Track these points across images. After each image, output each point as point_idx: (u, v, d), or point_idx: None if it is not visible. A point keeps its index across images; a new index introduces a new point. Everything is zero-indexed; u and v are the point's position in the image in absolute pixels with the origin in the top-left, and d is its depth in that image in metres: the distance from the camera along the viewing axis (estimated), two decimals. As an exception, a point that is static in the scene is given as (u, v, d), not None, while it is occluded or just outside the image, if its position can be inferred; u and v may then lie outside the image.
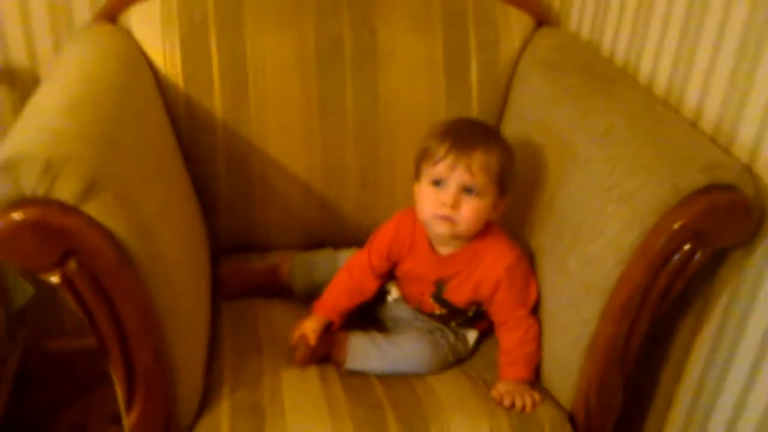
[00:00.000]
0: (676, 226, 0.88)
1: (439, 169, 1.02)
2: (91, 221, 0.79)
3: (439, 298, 1.11)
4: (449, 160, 1.01)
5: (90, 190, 0.79)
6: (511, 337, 1.08)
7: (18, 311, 1.40)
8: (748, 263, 0.96)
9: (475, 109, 1.29)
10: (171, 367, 0.91)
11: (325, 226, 1.32)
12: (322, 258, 1.24)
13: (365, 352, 1.07)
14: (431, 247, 1.10)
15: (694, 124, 1.04)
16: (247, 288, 1.22)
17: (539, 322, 1.08)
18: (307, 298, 1.18)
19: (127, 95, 1.03)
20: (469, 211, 1.02)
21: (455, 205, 1.02)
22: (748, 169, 0.92)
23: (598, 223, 0.97)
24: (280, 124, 1.25)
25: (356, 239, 1.32)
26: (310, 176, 1.28)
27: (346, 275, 1.14)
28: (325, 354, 1.08)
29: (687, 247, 0.89)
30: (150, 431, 0.93)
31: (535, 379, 1.07)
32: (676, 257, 0.90)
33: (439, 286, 1.10)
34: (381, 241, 1.14)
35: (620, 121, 1.03)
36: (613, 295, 0.94)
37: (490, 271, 1.07)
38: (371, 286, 1.14)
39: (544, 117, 1.17)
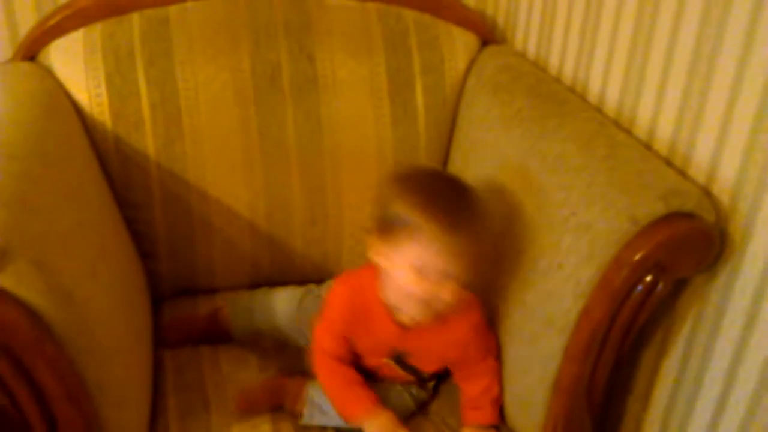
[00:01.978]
0: (636, 257, 0.84)
1: (426, 255, 0.89)
2: (4, 293, 0.71)
3: (403, 365, 1.04)
4: (437, 246, 0.89)
5: (0, 258, 0.71)
6: (476, 384, 1.03)
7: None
8: (712, 288, 0.93)
9: (422, 133, 1.25)
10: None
11: (273, 264, 1.26)
12: (258, 300, 1.17)
13: (323, 404, 1.00)
14: (392, 319, 0.99)
15: (648, 146, 1.00)
16: (191, 335, 1.15)
17: (501, 363, 1.03)
18: (251, 342, 1.13)
19: (44, 143, 0.94)
20: (450, 295, 0.92)
21: (436, 292, 0.92)
22: (706, 194, 0.88)
23: (555, 256, 0.93)
24: (219, 160, 1.18)
25: (305, 275, 1.27)
26: (253, 214, 1.21)
27: (335, 374, 1.01)
28: (278, 404, 1.01)
29: (648, 278, 0.86)
30: None
31: (501, 421, 1.03)
32: (638, 289, 0.87)
33: (399, 356, 1.03)
34: (335, 326, 1.01)
35: (573, 145, 0.99)
36: (575, 331, 0.90)
37: (456, 332, 1.00)
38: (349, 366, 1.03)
39: (494, 141, 1.13)
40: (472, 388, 1.03)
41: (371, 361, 1.04)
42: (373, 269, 0.97)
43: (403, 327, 0.99)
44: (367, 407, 0.98)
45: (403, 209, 0.91)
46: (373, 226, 0.95)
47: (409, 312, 0.96)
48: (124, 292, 1.00)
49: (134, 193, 1.17)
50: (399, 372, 1.04)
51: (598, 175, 0.92)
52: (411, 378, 1.05)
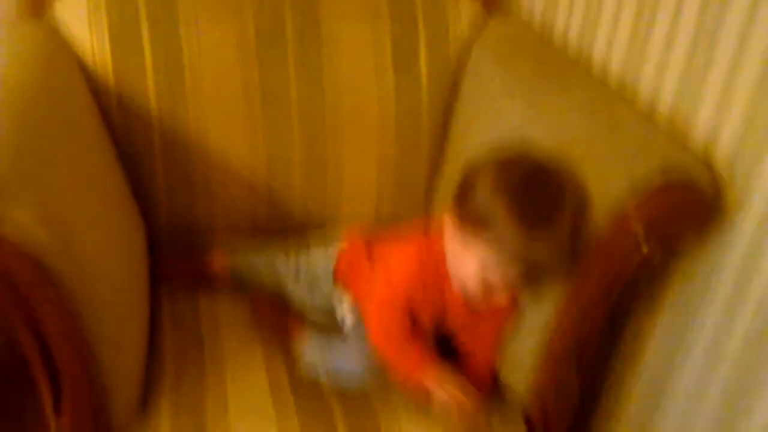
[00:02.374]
0: (633, 227, 0.85)
1: (499, 261, 0.86)
2: (6, 242, 0.72)
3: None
4: (513, 253, 0.85)
5: (3, 208, 0.72)
6: (480, 357, 1.04)
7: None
8: (703, 256, 0.94)
9: (425, 101, 1.25)
10: (102, 377, 0.86)
11: (271, 216, 1.27)
12: (262, 265, 1.19)
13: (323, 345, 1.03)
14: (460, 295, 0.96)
15: (649, 116, 1.00)
16: (189, 276, 1.19)
17: None
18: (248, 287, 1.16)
19: (48, 95, 0.95)
20: (511, 293, 0.93)
21: (500, 290, 0.90)
22: (705, 164, 0.89)
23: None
24: (221, 117, 1.19)
25: (303, 226, 1.28)
26: (253, 168, 1.22)
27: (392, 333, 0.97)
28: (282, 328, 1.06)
29: (645, 248, 0.86)
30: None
31: (488, 393, 1.04)
32: (634, 258, 0.87)
33: (446, 335, 1.02)
34: (402, 300, 0.95)
35: (574, 115, 0.99)
36: (568, 300, 0.91)
37: (501, 317, 1.00)
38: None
39: (496, 111, 1.13)
40: (472, 360, 1.04)
41: (422, 326, 1.01)
42: (442, 239, 0.94)
43: (467, 305, 0.96)
44: (418, 361, 0.97)
45: (488, 203, 0.85)
46: (454, 208, 0.90)
47: (467, 292, 0.93)
48: (123, 240, 1.02)
49: (136, 145, 1.17)
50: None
51: (598, 142, 0.92)
52: None
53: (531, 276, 0.88)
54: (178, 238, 1.26)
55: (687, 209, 0.86)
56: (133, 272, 1.04)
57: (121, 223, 1.06)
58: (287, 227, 1.28)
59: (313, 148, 1.23)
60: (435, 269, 0.95)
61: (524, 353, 0.99)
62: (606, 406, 1.18)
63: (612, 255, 0.87)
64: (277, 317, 1.10)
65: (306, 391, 1.00)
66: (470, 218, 0.87)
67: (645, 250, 0.86)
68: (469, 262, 0.89)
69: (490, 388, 1.04)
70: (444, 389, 0.97)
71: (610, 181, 0.88)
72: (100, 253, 0.88)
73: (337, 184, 1.27)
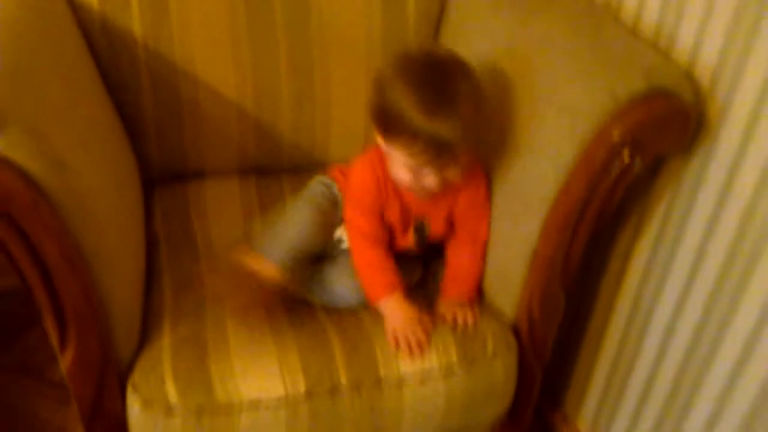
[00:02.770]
0: (615, 135, 0.87)
1: (421, 160, 0.92)
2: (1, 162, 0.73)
3: (420, 235, 1.07)
4: (427, 156, 0.91)
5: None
6: (464, 256, 1.07)
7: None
8: (687, 169, 0.96)
9: (412, 18, 1.24)
10: (103, 304, 0.88)
11: (260, 147, 1.27)
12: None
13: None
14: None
15: (633, 29, 1.01)
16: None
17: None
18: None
19: (38, 27, 0.94)
20: (450, 176, 0.96)
21: (437, 180, 0.95)
22: (687, 75, 0.90)
23: (538, 136, 0.95)
24: (206, 43, 1.18)
25: (293, 161, 1.29)
26: (241, 97, 1.22)
27: (364, 254, 1.03)
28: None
29: (626, 155, 0.88)
30: (87, 370, 0.90)
31: (477, 296, 1.08)
32: (615, 167, 0.89)
33: (421, 223, 1.06)
34: (365, 201, 1.02)
35: (559, 27, 0.99)
36: (553, 209, 0.93)
37: (465, 190, 1.04)
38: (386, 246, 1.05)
39: (482, 23, 1.13)
40: (459, 260, 1.07)
41: (402, 240, 1.07)
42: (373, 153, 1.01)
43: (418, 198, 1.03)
44: (387, 289, 1.01)
45: (391, 93, 0.92)
46: (372, 114, 0.97)
47: (418, 193, 1.00)
48: (115, 167, 1.02)
49: (122, 74, 1.16)
50: (412, 248, 1.07)
51: (583, 54, 0.93)
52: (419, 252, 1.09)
53: (441, 154, 0.92)
54: (169, 175, 1.27)
55: (668, 118, 0.87)
56: (127, 204, 1.05)
57: (114, 155, 1.06)
58: (276, 163, 1.28)
59: (300, 81, 1.23)
60: (383, 168, 1.01)
61: (511, 268, 1.02)
62: (591, 319, 1.22)
63: (594, 164, 0.89)
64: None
65: (302, 320, 1.01)
66: (386, 119, 0.94)
67: (626, 159, 0.88)
68: (394, 156, 0.95)
69: (476, 290, 1.08)
70: (394, 323, 1.00)
71: (593, 92, 0.89)
72: (94, 178, 0.88)
73: (325, 116, 1.26)
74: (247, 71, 1.20)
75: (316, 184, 1.12)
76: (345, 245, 1.09)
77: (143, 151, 1.23)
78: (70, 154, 0.82)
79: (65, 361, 0.89)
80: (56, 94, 0.88)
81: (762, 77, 0.83)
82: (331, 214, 1.07)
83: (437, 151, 0.91)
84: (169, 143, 1.24)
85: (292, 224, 1.05)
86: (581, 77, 0.91)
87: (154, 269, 1.10)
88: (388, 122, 0.94)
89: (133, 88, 1.18)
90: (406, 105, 0.90)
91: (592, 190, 0.91)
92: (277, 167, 1.29)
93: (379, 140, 0.99)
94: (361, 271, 1.02)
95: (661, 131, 0.88)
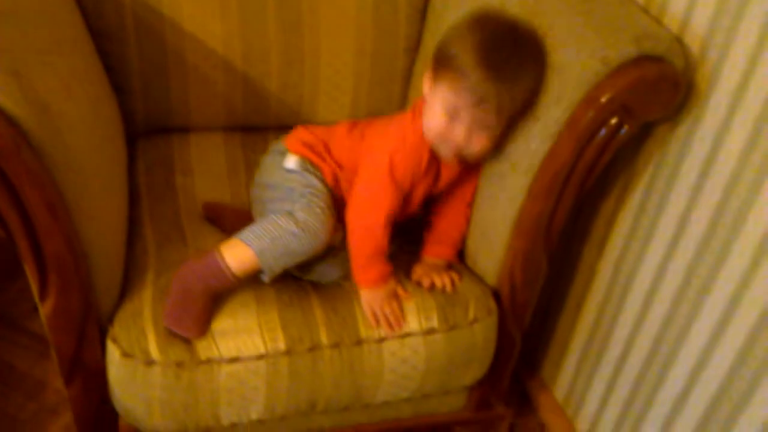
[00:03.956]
0: (603, 99, 0.87)
1: (462, 102, 0.91)
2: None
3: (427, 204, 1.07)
4: (476, 97, 0.90)
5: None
6: (449, 219, 1.07)
7: None
8: (673, 137, 0.96)
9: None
10: (84, 254, 0.87)
11: (248, 104, 1.26)
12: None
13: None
14: (436, 157, 1.01)
15: (626, -5, 1.00)
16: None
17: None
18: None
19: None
20: (479, 146, 0.95)
21: (466, 140, 0.94)
22: (678, 40, 0.90)
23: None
24: (195, 3, 1.15)
25: (280, 119, 1.27)
26: (228, 51, 1.20)
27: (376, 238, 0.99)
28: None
29: (614, 120, 0.88)
30: (67, 320, 0.90)
31: (457, 260, 1.08)
32: (603, 131, 0.89)
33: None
34: (404, 175, 0.98)
35: (552, -10, 0.98)
36: (539, 171, 0.93)
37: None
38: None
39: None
40: (443, 222, 1.08)
41: (409, 209, 1.05)
42: (406, 118, 1.00)
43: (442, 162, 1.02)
44: (378, 282, 1.00)
45: (459, 50, 0.91)
46: (432, 58, 0.96)
47: (441, 152, 0.98)
48: (99, 116, 1.00)
49: (108, 25, 1.14)
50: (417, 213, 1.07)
51: (575, 18, 0.93)
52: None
53: (481, 104, 0.90)
54: (154, 129, 1.25)
55: (657, 84, 0.87)
56: (110, 155, 1.03)
57: (98, 104, 1.03)
58: (263, 120, 1.27)
59: (289, 38, 1.21)
60: (420, 139, 0.99)
61: (496, 230, 1.02)
62: (572, 285, 1.23)
63: (582, 127, 0.89)
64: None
65: (284, 281, 1.00)
66: (444, 64, 0.93)
67: (613, 120, 0.88)
68: (435, 101, 0.94)
69: (457, 253, 1.08)
70: (371, 300, 1.00)
71: (584, 56, 0.88)
72: (77, 124, 0.87)
73: (313, 75, 1.25)
74: (233, 25, 1.18)
75: (297, 182, 1.02)
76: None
77: (128, 103, 1.21)
78: (53, 99, 0.80)
79: (45, 310, 0.88)
80: (40, 40, 0.86)
81: (752, 45, 0.83)
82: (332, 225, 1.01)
83: (479, 99, 0.90)
84: (155, 96, 1.22)
85: (301, 251, 0.96)
86: (572, 41, 0.90)
87: (136, 222, 1.09)
88: (445, 57, 0.92)
89: (117, 38, 1.16)
90: (471, 47, 0.89)
91: (579, 153, 0.91)
92: (263, 125, 1.28)
93: (426, 87, 0.97)
94: (358, 260, 1.00)
95: (649, 97, 0.88)
